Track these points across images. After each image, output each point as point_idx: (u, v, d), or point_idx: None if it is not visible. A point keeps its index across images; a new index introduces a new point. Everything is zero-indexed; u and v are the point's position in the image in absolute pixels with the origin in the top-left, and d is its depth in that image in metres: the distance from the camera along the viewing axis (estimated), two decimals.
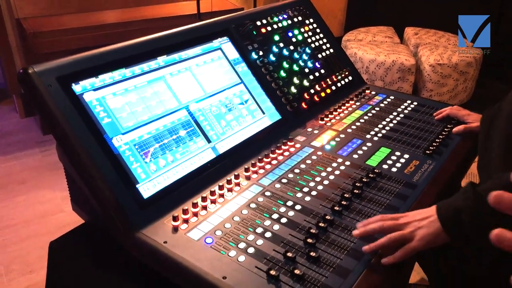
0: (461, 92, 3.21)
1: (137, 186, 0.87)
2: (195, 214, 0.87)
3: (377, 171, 1.03)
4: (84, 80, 0.90)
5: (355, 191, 0.95)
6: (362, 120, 1.29)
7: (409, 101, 1.43)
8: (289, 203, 0.91)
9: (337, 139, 1.18)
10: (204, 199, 0.90)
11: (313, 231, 0.82)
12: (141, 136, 0.93)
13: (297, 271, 0.73)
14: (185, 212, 0.86)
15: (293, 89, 1.30)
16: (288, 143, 1.14)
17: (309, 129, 1.23)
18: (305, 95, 1.32)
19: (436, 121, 1.29)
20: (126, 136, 0.91)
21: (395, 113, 1.34)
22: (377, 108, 1.37)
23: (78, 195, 0.98)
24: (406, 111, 1.36)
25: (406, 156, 1.11)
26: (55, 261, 0.98)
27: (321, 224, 0.84)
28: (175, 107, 1.01)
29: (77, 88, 0.88)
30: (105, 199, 0.83)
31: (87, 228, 1.02)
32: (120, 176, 0.86)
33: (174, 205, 0.89)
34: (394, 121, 1.29)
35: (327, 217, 0.86)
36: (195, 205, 0.89)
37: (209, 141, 1.03)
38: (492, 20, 3.22)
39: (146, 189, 0.88)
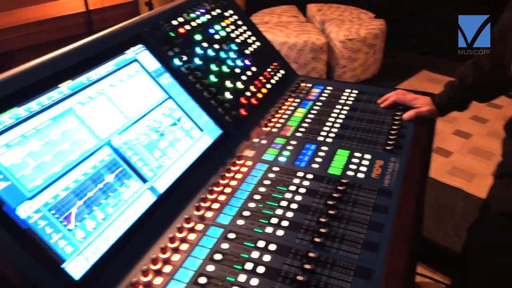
0: (371, 64, 3.26)
1: (63, 266, 0.65)
2: (148, 285, 0.68)
3: (345, 181, 0.90)
4: None
5: (330, 212, 0.82)
6: (308, 120, 1.16)
7: (348, 90, 1.33)
8: (261, 244, 0.75)
9: (289, 147, 1.04)
10: (154, 261, 0.71)
11: (299, 278, 0.68)
12: (56, 195, 0.70)
13: None
14: (134, 285, 0.66)
15: (227, 95, 1.12)
16: (237, 162, 0.97)
17: (256, 140, 1.07)
18: (242, 99, 1.16)
19: (383, 109, 1.21)
20: (35, 201, 0.67)
21: (339, 106, 1.23)
22: (318, 103, 1.25)
23: None
24: (349, 102, 1.25)
25: (367, 156, 1.00)
26: None
27: (307, 266, 0.70)
28: (95, 146, 0.79)
29: None
30: None
31: None
32: (37, 258, 0.63)
33: (117, 280, 0.69)
34: (341, 116, 1.18)
35: (310, 254, 0.72)
36: (145, 273, 0.69)
37: (144, 180, 0.82)
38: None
39: (77, 267, 0.66)
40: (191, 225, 0.79)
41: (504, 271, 1.00)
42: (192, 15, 1.22)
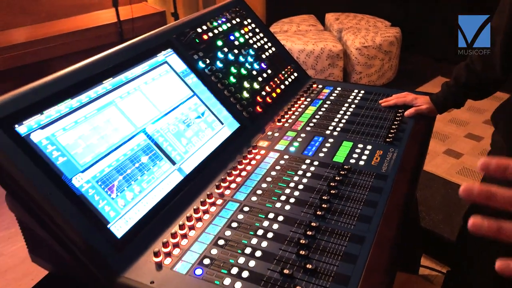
0: (387, 70, 3.37)
1: (108, 226, 0.80)
2: (176, 245, 0.82)
3: (347, 167, 1.03)
4: (28, 119, 0.80)
5: (332, 191, 0.94)
6: (317, 116, 1.29)
7: (356, 90, 1.45)
8: (271, 216, 0.89)
9: (299, 139, 1.17)
10: (181, 227, 0.85)
11: (302, 241, 0.80)
12: (102, 170, 0.85)
13: None
14: (165, 245, 0.81)
15: (245, 94, 1.27)
16: (253, 151, 1.11)
17: (269, 133, 1.20)
18: (258, 98, 1.30)
19: (387, 108, 1.33)
20: (86, 174, 0.82)
21: (346, 105, 1.36)
22: (328, 102, 1.38)
23: (39, 245, 0.88)
24: (356, 101, 1.38)
25: (369, 147, 1.12)
26: None
27: (309, 233, 0.83)
28: (132, 132, 0.94)
29: (21, 129, 0.78)
30: (76, 247, 0.75)
31: (53, 280, 0.92)
32: (88, 219, 0.78)
33: (151, 240, 0.83)
34: (348, 113, 1.31)
35: (312, 224, 0.85)
36: (174, 235, 0.83)
37: (173, 163, 0.97)
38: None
39: (119, 228, 0.81)
40: (212, 200, 0.93)
41: (493, 255, 1.10)
42: (215, 23, 1.37)
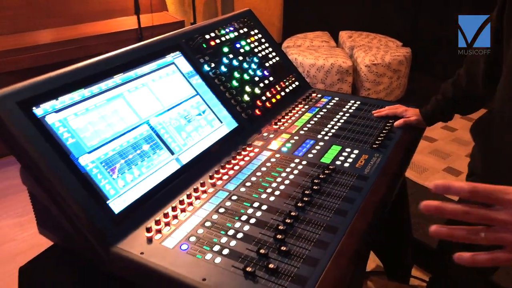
0: (395, 88, 3.44)
1: (107, 202, 0.89)
2: (167, 224, 0.91)
3: (332, 167, 1.11)
4: (45, 103, 0.91)
5: (314, 187, 1.02)
6: (312, 122, 1.38)
7: (352, 101, 1.54)
8: (256, 204, 0.97)
9: (292, 141, 1.26)
10: (174, 208, 0.94)
11: (281, 227, 0.89)
12: (106, 153, 0.95)
13: (271, 265, 0.79)
14: (157, 222, 0.90)
15: (246, 97, 1.36)
16: (247, 148, 1.20)
17: (265, 134, 1.29)
18: (258, 102, 1.39)
19: (379, 118, 1.41)
20: (92, 155, 0.92)
21: (341, 113, 1.44)
22: (324, 110, 1.47)
23: (46, 218, 0.98)
24: (350, 110, 1.46)
25: (356, 151, 1.20)
26: (27, 286, 0.97)
27: (288, 221, 0.91)
28: (136, 123, 1.04)
29: (38, 111, 0.89)
30: (77, 218, 0.84)
31: (57, 250, 1.02)
32: (90, 194, 0.87)
33: (145, 217, 0.92)
34: (342, 120, 1.39)
35: (292, 213, 0.93)
36: (166, 215, 0.92)
37: (172, 153, 1.07)
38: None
39: (117, 205, 0.90)
40: (204, 188, 1.02)
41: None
42: (223, 31, 1.47)
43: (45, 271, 0.98)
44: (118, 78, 1.07)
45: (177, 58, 1.25)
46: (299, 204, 0.96)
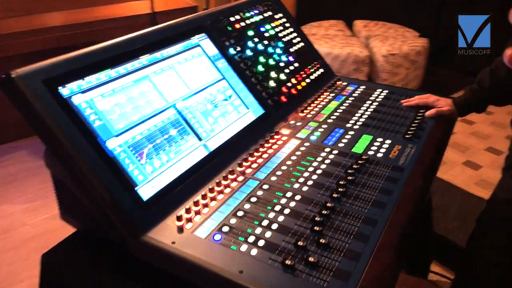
0: (412, 79, 3.37)
1: (136, 189, 0.85)
2: (198, 213, 0.87)
3: (365, 157, 1.06)
4: (71, 83, 0.86)
5: (349, 177, 0.98)
6: (339, 110, 1.33)
7: (379, 90, 1.48)
8: (288, 194, 0.93)
9: (320, 129, 1.21)
10: (204, 197, 0.90)
11: (317, 219, 0.84)
12: (134, 137, 0.90)
13: (311, 259, 0.74)
14: (188, 211, 0.85)
15: (271, 83, 1.31)
16: (275, 136, 1.15)
17: (292, 122, 1.25)
18: (283, 88, 1.34)
19: (408, 107, 1.35)
20: (119, 138, 0.88)
21: (369, 102, 1.39)
22: (351, 98, 1.42)
23: (70, 203, 0.94)
24: (379, 99, 1.41)
25: (388, 141, 1.15)
26: (50, 273, 0.94)
27: (324, 212, 0.86)
28: (163, 106, 1.00)
29: (64, 91, 0.84)
30: (105, 204, 0.80)
31: (80, 237, 0.98)
32: (119, 180, 0.83)
33: (174, 205, 0.88)
34: (370, 109, 1.34)
35: (328, 204, 0.89)
36: (196, 203, 0.88)
37: (200, 139, 1.02)
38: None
39: (145, 191, 0.86)
40: (234, 176, 0.98)
41: (504, 257, 1.12)
42: (247, 14, 1.42)
43: (68, 258, 0.94)
44: (144, 59, 1.02)
45: (203, 40, 1.20)
46: (335, 195, 0.92)
